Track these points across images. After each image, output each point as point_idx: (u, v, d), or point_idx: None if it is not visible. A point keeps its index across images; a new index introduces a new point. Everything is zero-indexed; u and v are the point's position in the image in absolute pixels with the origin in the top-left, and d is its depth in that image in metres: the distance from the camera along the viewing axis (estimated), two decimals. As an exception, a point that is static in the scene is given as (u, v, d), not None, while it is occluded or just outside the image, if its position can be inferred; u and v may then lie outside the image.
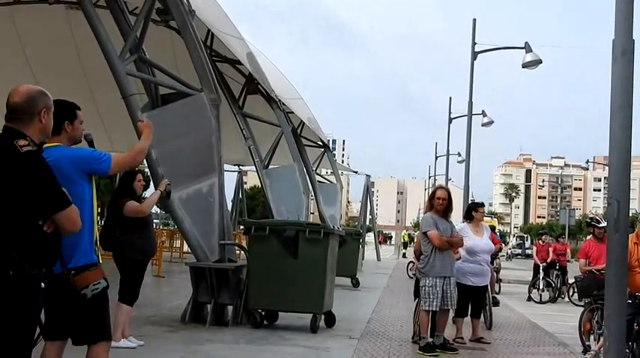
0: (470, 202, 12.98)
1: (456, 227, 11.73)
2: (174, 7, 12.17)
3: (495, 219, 37.54)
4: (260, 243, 11.84)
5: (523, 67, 25.09)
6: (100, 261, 5.43)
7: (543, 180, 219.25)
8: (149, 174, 11.24)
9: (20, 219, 4.27)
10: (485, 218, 38.95)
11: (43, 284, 4.40)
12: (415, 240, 12.69)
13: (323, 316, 12.05)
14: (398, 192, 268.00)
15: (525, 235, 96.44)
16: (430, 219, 10.49)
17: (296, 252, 11.60)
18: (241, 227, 15.54)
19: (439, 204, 10.53)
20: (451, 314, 11.28)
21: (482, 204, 12.37)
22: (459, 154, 45.45)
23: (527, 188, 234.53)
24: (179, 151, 11.86)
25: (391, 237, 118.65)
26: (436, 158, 58.99)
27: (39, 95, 4.60)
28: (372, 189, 59.56)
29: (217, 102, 12.21)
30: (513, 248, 79.42)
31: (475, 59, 27.70)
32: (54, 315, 5.43)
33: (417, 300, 10.99)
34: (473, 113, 30.98)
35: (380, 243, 51.32)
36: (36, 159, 4.32)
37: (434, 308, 10.29)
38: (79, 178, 5.31)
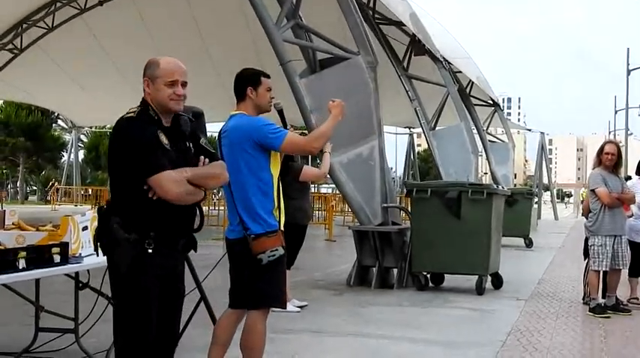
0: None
1: (628, 183, 11.17)
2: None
3: (679, 174, 35.74)
4: (422, 205, 11.69)
5: None
6: (282, 228, 5.41)
7: None
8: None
9: (121, 186, 4.32)
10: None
11: (150, 250, 4.25)
12: (584, 198, 12.17)
13: (489, 278, 11.81)
14: (577, 149, 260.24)
15: None
16: (599, 175, 9.99)
17: (459, 213, 11.38)
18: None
19: (608, 159, 10.00)
20: (625, 273, 10.79)
21: (654, 158, 11.71)
22: (640, 107, 43.56)
23: None
24: (338, 116, 11.82)
25: (570, 195, 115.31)
26: (615, 112, 56.75)
27: (148, 64, 4.45)
28: (550, 147, 57.87)
29: (374, 64, 12.10)
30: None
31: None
32: (236, 282, 5.49)
33: (587, 260, 10.55)
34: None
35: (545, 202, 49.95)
36: (126, 126, 4.28)
37: (603, 269, 9.85)
38: (250, 148, 5.31)
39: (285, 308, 5.85)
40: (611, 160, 10.01)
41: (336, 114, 5.59)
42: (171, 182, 4.19)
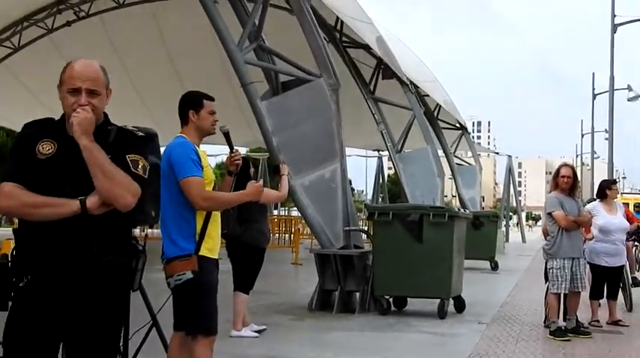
0: (602, 180, 12.33)
1: (588, 206, 11.25)
2: (289, -8, 12.15)
3: (644, 196, 36.50)
4: (384, 228, 11.63)
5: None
6: (205, 253, 5.30)
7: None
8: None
9: None
10: (635, 195, 37.31)
11: (21, 284, 3.59)
12: (542, 221, 12.25)
13: (452, 301, 11.76)
14: (547, 172, 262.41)
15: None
16: (555, 198, 10.04)
17: (420, 236, 11.34)
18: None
19: (564, 182, 10.07)
20: (586, 296, 10.82)
21: (615, 181, 11.82)
22: (606, 131, 44.07)
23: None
24: (300, 138, 11.83)
25: (539, 218, 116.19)
26: (582, 136, 57.36)
27: None
28: (520, 170, 58.28)
29: (336, 87, 12.09)
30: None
31: (615, 32, 26.59)
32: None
33: (547, 283, 10.57)
34: (617, 88, 29.85)
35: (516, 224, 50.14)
36: None
37: (563, 291, 9.87)
38: (170, 169, 5.30)
39: (210, 335, 5.59)
40: (567, 183, 10.07)
41: (248, 194, 5.54)
42: (3, 195, 3.55)
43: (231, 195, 5.58)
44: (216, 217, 5.43)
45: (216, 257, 5.42)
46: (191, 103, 5.52)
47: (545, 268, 10.42)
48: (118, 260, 3.70)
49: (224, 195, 5.55)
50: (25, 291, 3.57)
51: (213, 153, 35.78)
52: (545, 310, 10.66)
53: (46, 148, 3.60)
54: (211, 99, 5.59)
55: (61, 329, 3.60)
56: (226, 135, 5.66)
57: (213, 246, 5.37)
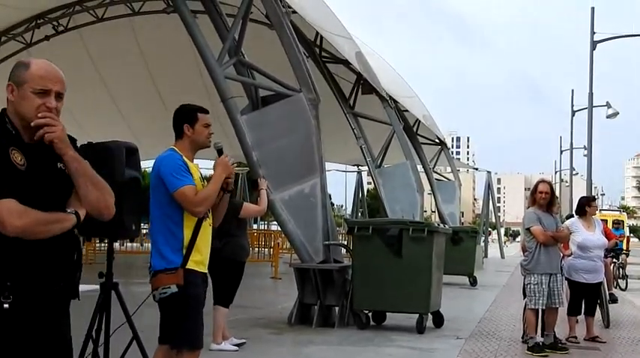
0: (582, 196, 12.40)
1: (567, 222, 11.33)
2: (269, 8, 12.16)
3: (625, 214, 36.68)
4: (364, 243, 11.66)
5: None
6: (192, 266, 5.27)
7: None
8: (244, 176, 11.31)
9: None
10: (614, 212, 37.53)
11: (7, 305, 3.21)
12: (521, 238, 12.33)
13: (431, 316, 11.78)
14: (525, 188, 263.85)
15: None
16: (533, 214, 10.11)
17: (400, 251, 11.37)
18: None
19: (541, 198, 10.14)
20: (564, 312, 10.87)
21: (594, 198, 11.93)
22: (585, 147, 44.37)
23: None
24: (280, 152, 11.85)
25: (518, 233, 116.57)
26: (561, 152, 57.72)
27: (15, 66, 3.55)
28: (499, 186, 58.34)
29: (316, 102, 12.12)
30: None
31: (595, 49, 26.78)
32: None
33: (525, 299, 10.61)
34: (596, 105, 30.03)
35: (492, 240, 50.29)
36: None
37: (540, 307, 9.90)
38: (159, 182, 5.30)
39: (195, 349, 5.57)
40: (545, 199, 10.13)
41: (220, 173, 5.34)
42: (13, 213, 3.17)
43: (210, 186, 5.31)
44: (206, 230, 5.37)
45: (204, 271, 5.39)
46: (186, 117, 5.49)
47: (524, 284, 10.47)
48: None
49: (206, 189, 5.30)
50: (9, 314, 3.21)
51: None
52: (523, 326, 10.68)
53: (18, 158, 3.28)
54: (206, 111, 5.55)
55: (42, 350, 3.36)
56: (219, 151, 5.64)
57: (201, 259, 5.33)
